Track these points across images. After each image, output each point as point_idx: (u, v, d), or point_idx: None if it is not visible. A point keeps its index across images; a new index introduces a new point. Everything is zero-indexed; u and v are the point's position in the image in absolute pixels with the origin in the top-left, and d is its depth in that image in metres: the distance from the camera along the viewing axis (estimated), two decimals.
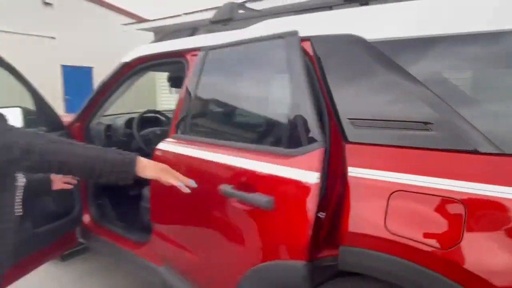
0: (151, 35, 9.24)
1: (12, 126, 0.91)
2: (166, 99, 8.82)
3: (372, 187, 1.01)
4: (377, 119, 1.05)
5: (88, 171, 0.91)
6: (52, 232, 1.93)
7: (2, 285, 1.14)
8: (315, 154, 1.02)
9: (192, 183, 1.08)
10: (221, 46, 1.46)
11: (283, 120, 1.21)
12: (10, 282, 1.83)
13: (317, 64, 1.19)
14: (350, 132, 1.09)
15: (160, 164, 1.09)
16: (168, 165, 1.30)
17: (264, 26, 1.37)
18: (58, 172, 0.92)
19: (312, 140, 1.05)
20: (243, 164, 1.19)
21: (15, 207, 1.06)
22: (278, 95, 1.40)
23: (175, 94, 7.45)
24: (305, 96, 1.08)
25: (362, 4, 1.27)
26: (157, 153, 1.58)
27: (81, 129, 2.22)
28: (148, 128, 2.44)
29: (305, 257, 1.00)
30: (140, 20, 10.57)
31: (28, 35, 9.89)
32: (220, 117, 1.59)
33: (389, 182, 0.98)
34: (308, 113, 1.07)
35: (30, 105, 2.02)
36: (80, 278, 2.47)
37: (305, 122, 1.07)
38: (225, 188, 1.18)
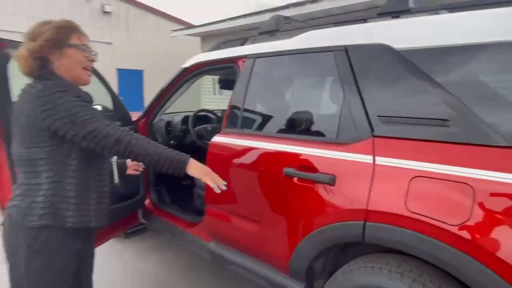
0: (197, 40, 9.80)
1: (111, 122, 1.20)
2: (209, 100, 9.29)
3: (395, 173, 1.20)
4: (402, 117, 1.24)
5: (154, 163, 1.19)
6: (122, 210, 2.30)
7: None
8: (367, 142, 1.27)
9: (223, 186, 1.30)
10: (268, 54, 1.72)
11: (337, 116, 1.44)
12: (96, 246, 2.22)
13: (351, 69, 1.40)
14: (378, 127, 1.29)
15: (205, 168, 1.31)
16: (221, 153, 1.59)
17: (307, 37, 1.60)
18: (133, 159, 1.19)
19: (362, 131, 1.30)
20: (304, 151, 1.45)
21: (112, 176, 1.39)
22: (328, 96, 1.63)
23: (218, 95, 7.82)
24: (356, 97, 1.34)
25: (393, 17, 1.45)
26: (212, 144, 1.87)
27: (146, 124, 2.59)
28: (201, 125, 2.76)
29: (363, 218, 1.23)
30: (188, 26, 11.21)
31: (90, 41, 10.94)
32: (271, 114, 1.84)
33: (410, 169, 1.16)
34: (359, 110, 1.32)
35: (106, 103, 2.43)
36: (139, 254, 2.86)
37: (356, 117, 1.33)
38: (289, 170, 1.45)
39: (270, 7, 8.56)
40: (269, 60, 1.74)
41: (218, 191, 1.28)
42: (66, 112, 1.08)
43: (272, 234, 1.59)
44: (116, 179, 1.46)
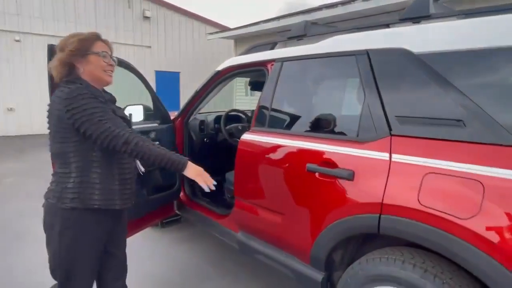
0: (231, 42, 10.09)
1: (124, 125, 1.40)
2: (240, 100, 9.52)
3: (410, 170, 1.28)
4: (418, 117, 1.32)
5: (158, 162, 1.37)
6: (159, 201, 2.52)
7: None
8: (385, 140, 1.37)
9: (212, 186, 1.46)
10: (295, 58, 1.85)
11: (358, 116, 1.52)
12: (131, 234, 2.46)
13: (372, 72, 1.49)
14: (396, 126, 1.37)
15: (198, 169, 1.46)
16: (249, 150, 1.74)
17: (331, 41, 1.71)
18: (140, 159, 1.39)
19: (381, 130, 1.39)
20: (326, 148, 1.57)
21: (136, 165, 1.59)
22: (350, 98, 1.73)
23: (250, 96, 7.98)
24: (376, 98, 1.43)
25: (414, 22, 1.52)
26: (242, 141, 2.02)
27: (181, 123, 2.81)
28: (232, 124, 2.94)
29: (379, 211, 1.33)
30: (223, 29, 11.54)
31: (131, 45, 11.60)
32: (296, 114, 1.97)
33: (424, 166, 1.24)
34: (378, 111, 1.41)
35: (146, 103, 2.67)
36: (173, 242, 3.08)
37: (376, 117, 1.42)
38: (311, 165, 1.58)
39: (302, 8, 8.63)
40: (296, 63, 1.87)
41: (207, 190, 1.46)
42: (86, 113, 1.27)
43: (294, 226, 1.72)
44: (141, 169, 1.65)
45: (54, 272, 1.43)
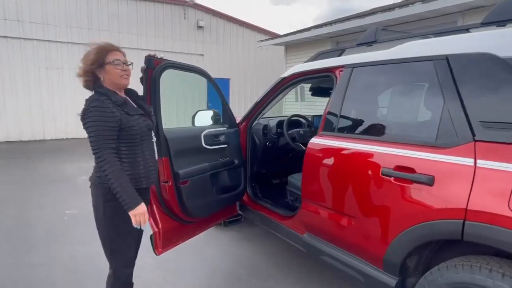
0: (281, 49, 10.22)
1: (106, 138, 1.54)
2: (290, 106, 9.57)
3: (497, 176, 1.25)
4: (505, 122, 1.29)
5: (113, 190, 1.51)
6: (226, 200, 2.67)
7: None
8: (469, 146, 1.36)
9: (144, 227, 1.58)
10: (367, 64, 1.88)
11: (435, 121, 1.52)
12: (203, 230, 2.64)
13: (452, 77, 1.48)
14: (480, 132, 1.35)
15: (137, 212, 1.53)
16: (319, 153, 1.82)
17: (406, 47, 1.72)
18: (103, 177, 1.55)
19: (463, 136, 1.39)
20: (402, 153, 1.58)
21: (154, 155, 1.75)
22: (426, 103, 1.70)
23: (300, 102, 7.99)
24: (457, 103, 1.42)
25: (498, 26, 1.49)
26: (311, 145, 2.09)
27: (245, 127, 2.95)
28: (293, 128, 3.02)
29: (462, 217, 1.31)
30: (273, 36, 11.73)
31: (186, 54, 12.24)
32: (369, 119, 1.99)
33: None
34: (460, 116, 1.41)
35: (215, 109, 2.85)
36: (234, 241, 3.22)
37: (457, 122, 1.41)
38: (387, 170, 1.60)
39: (354, 13, 8.49)
40: (368, 69, 1.90)
41: (137, 227, 1.56)
42: (87, 126, 1.52)
43: (367, 229, 1.74)
44: (157, 156, 1.85)
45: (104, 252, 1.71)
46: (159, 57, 2.04)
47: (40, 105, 10.12)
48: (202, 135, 2.42)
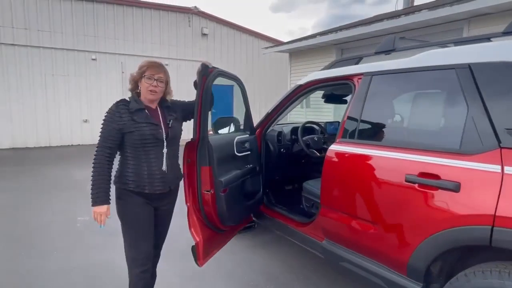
0: (284, 56, 10.29)
1: (107, 143, 1.77)
2: (295, 112, 9.61)
3: None
4: None
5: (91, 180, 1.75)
6: (251, 207, 2.68)
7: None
8: (495, 153, 1.38)
9: (100, 226, 1.79)
10: (387, 72, 1.91)
11: (459, 128, 1.54)
12: (231, 238, 2.66)
13: (476, 85, 1.51)
14: (506, 139, 1.37)
15: (97, 210, 1.76)
16: (339, 160, 1.87)
17: (427, 55, 1.75)
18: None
19: (488, 143, 1.41)
20: (426, 160, 1.60)
21: (163, 164, 1.84)
22: (448, 110, 1.72)
23: (306, 108, 8.02)
24: (481, 111, 1.45)
25: None
26: (330, 152, 2.11)
27: (260, 133, 2.98)
28: (306, 135, 3.04)
29: (491, 223, 1.33)
30: (276, 43, 11.82)
31: (189, 60, 12.34)
32: (390, 125, 2.01)
33: None
34: (484, 123, 1.43)
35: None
36: (248, 247, 3.23)
37: (482, 130, 1.44)
38: (411, 176, 1.62)
39: (353, 20, 8.57)
40: (387, 77, 1.93)
41: (100, 227, 1.80)
42: (101, 123, 1.79)
43: (390, 235, 1.75)
44: (164, 166, 1.85)
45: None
46: (210, 66, 2.14)
47: (45, 112, 10.19)
48: (235, 142, 2.42)
